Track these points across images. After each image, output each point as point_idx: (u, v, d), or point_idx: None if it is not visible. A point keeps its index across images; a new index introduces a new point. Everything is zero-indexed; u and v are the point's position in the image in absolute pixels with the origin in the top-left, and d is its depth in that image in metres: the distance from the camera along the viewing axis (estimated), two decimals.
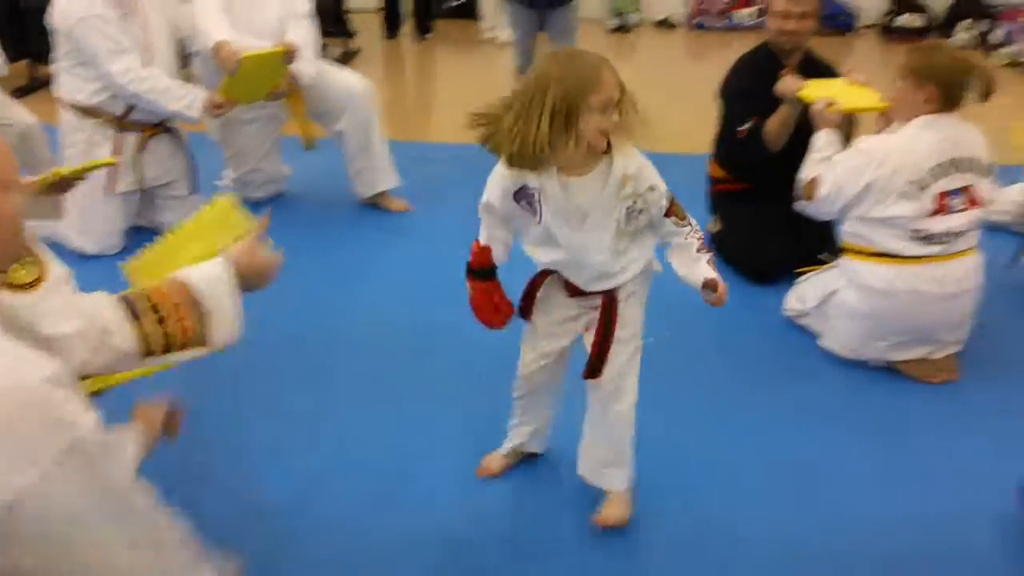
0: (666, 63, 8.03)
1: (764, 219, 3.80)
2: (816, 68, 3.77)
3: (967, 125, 3.01)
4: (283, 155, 4.55)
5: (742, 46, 3.97)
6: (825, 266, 3.42)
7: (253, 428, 2.86)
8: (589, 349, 2.33)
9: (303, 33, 4.11)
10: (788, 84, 3.46)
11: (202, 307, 1.72)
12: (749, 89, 3.74)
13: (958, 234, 3.02)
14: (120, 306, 1.68)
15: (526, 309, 2.38)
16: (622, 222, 2.17)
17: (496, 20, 8.36)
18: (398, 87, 7.19)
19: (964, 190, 2.98)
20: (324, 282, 3.78)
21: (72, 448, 1.24)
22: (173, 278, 1.74)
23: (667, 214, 2.22)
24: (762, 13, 8.20)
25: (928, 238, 3.00)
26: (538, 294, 2.36)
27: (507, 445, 2.67)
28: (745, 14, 8.84)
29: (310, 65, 4.11)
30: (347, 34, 7.82)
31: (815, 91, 3.37)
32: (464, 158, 5.29)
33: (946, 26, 8.57)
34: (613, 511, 2.47)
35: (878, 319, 3.09)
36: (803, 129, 3.55)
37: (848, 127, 3.46)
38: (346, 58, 7.25)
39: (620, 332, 2.32)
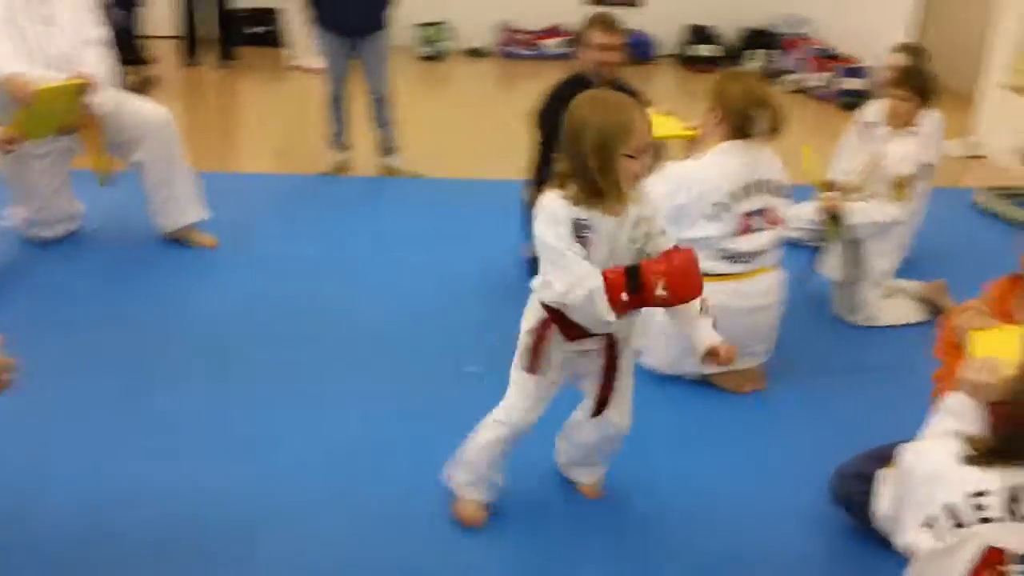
0: (477, 91, 8.14)
1: None
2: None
3: (764, 149, 3.17)
4: (75, 190, 4.25)
5: (550, 74, 4.06)
6: None
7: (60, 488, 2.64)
8: (593, 391, 2.41)
9: (97, 61, 3.88)
10: None
11: None
12: (552, 116, 3.82)
13: (761, 252, 3.18)
14: None
15: (536, 362, 2.33)
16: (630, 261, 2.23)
17: (302, 47, 8.21)
18: (199, 116, 6.93)
19: (764, 211, 3.15)
20: (126, 327, 3.53)
21: None
22: None
23: None
24: (569, 43, 8.48)
25: (734, 257, 3.14)
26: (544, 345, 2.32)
27: (484, 497, 2.58)
28: (552, 44, 9.09)
29: (106, 95, 3.88)
30: (144, 61, 7.47)
31: None
32: (272, 189, 5.18)
33: (737, 55, 9.10)
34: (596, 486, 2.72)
35: None
36: None
37: (656, 154, 3.59)
38: (143, 86, 6.91)
39: (624, 368, 2.42)
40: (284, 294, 3.84)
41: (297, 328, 3.57)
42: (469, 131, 6.51)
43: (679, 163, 3.27)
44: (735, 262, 3.15)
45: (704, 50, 9.06)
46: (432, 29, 9.03)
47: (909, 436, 1.95)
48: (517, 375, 2.40)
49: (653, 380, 3.31)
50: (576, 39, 3.97)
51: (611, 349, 2.34)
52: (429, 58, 8.85)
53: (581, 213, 2.16)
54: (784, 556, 2.52)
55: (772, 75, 8.46)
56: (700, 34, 9.18)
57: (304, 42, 8.11)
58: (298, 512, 2.57)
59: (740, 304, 3.16)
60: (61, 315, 3.57)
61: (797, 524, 2.64)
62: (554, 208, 2.18)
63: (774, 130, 3.09)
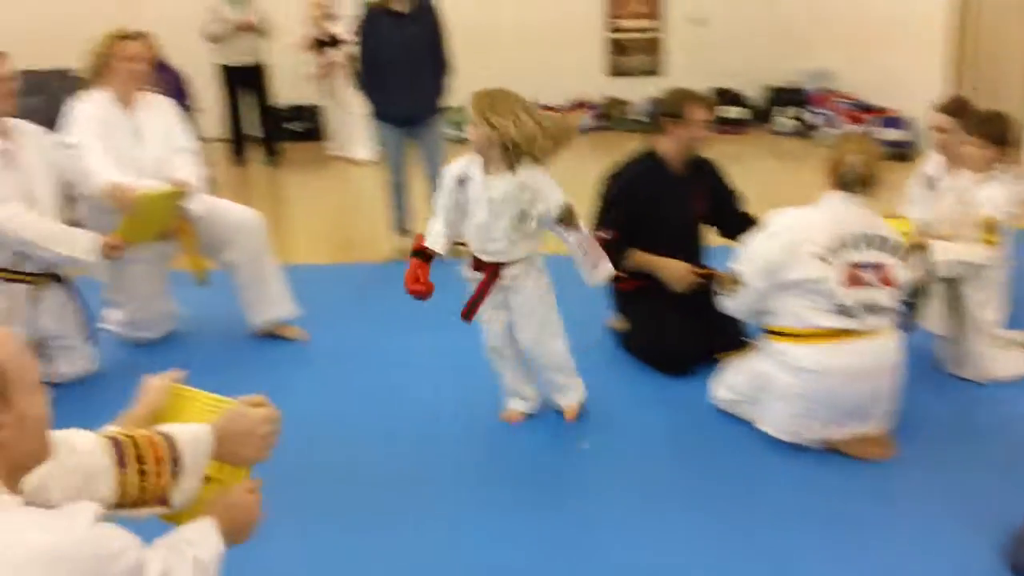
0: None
1: (664, 312, 3.86)
2: (705, 169, 3.96)
3: (868, 206, 3.21)
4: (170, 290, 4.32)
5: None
6: (745, 350, 3.51)
7: None
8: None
9: (191, 168, 4.00)
10: (684, 280, 3.79)
11: (179, 466, 1.69)
12: (620, 198, 3.88)
13: (871, 308, 3.15)
14: (108, 451, 1.65)
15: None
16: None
17: (345, 139, 8.38)
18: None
19: (876, 267, 3.15)
20: None
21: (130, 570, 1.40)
22: (161, 431, 1.73)
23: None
24: (597, 117, 8.52)
25: (843, 310, 3.11)
26: None
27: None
28: (577, 118, 9.21)
29: (199, 200, 3.98)
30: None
31: None
32: (343, 278, 5.19)
33: (766, 114, 9.23)
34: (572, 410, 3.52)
35: (812, 398, 3.16)
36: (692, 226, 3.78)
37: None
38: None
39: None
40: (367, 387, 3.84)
41: (409, 428, 3.55)
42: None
43: (780, 212, 3.31)
44: (845, 316, 3.12)
45: (733, 112, 9.20)
46: (459, 112, 9.19)
47: None
48: None
49: (773, 447, 3.26)
50: (656, 117, 3.98)
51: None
52: (458, 140, 8.99)
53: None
54: None
55: (805, 132, 8.55)
56: (726, 97, 9.32)
57: (346, 134, 8.31)
58: None
59: (862, 364, 3.14)
60: None
61: None
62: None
63: (866, 181, 3.16)
